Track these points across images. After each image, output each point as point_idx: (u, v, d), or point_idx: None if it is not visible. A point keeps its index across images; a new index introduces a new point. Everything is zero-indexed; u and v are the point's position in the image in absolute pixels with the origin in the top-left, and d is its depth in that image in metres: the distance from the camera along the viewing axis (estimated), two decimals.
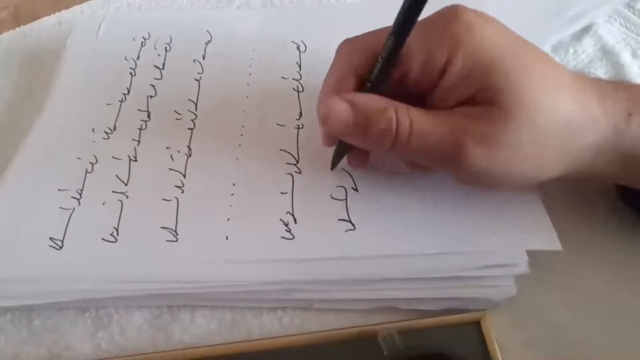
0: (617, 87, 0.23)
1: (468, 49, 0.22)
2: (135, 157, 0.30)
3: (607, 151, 0.23)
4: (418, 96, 0.24)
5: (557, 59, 0.34)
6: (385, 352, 0.23)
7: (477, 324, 0.23)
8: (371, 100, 0.23)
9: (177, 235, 0.26)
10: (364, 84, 0.24)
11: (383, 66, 0.23)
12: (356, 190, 0.27)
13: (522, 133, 0.21)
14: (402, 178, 0.27)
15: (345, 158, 0.28)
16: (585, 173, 0.24)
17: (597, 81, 0.24)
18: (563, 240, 0.24)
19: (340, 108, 0.23)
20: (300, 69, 0.34)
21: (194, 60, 0.35)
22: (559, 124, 0.22)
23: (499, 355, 0.22)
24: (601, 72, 0.33)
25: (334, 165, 0.28)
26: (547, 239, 0.24)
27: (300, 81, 0.33)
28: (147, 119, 0.32)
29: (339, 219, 0.26)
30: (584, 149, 0.22)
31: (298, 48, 0.35)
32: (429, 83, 0.23)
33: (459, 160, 0.22)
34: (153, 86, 0.34)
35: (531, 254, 0.23)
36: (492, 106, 0.22)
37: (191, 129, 0.31)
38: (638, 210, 0.27)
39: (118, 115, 0.32)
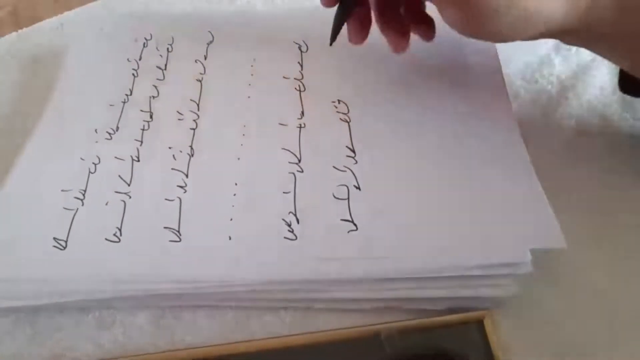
0: None
1: None
2: (138, 158, 0.30)
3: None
4: None
5: (559, 57, 0.34)
6: (387, 352, 0.23)
7: (479, 323, 0.23)
8: None
9: (180, 235, 0.26)
10: None
11: None
12: (358, 188, 0.27)
13: None
14: (405, 177, 0.27)
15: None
16: (585, 26, 0.24)
17: None
18: (567, 238, 0.23)
19: None
20: (302, 69, 0.34)
21: (195, 61, 0.35)
22: None
23: (502, 354, 0.22)
24: (604, 70, 0.33)
25: (333, 39, 0.30)
26: (552, 237, 0.24)
27: (302, 81, 0.33)
28: (150, 120, 0.32)
29: (342, 219, 0.26)
30: None
31: (300, 48, 0.35)
32: None
33: None
34: (155, 87, 0.34)
35: (534, 252, 0.23)
36: None
37: (193, 129, 0.31)
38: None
39: (120, 116, 0.32)
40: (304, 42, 0.35)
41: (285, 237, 0.25)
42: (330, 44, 0.30)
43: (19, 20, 0.42)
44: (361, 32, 0.30)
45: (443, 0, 0.25)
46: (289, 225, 0.26)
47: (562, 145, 0.30)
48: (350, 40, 0.30)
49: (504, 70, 0.32)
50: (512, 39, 0.25)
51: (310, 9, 0.37)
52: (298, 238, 0.25)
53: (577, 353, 0.23)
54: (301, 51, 0.35)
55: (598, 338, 0.23)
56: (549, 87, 0.33)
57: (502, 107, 0.30)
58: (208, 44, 0.36)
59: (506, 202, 0.26)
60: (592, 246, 0.26)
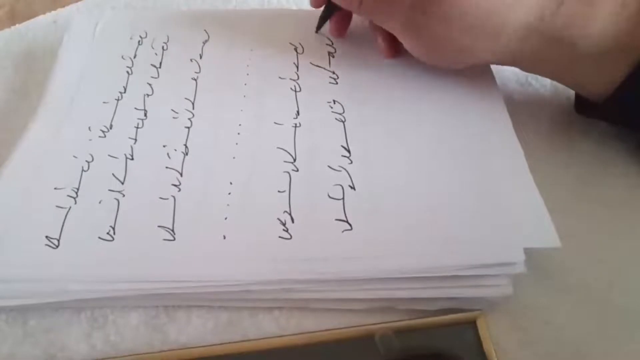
0: None
1: None
2: (132, 156, 0.30)
3: (535, 35, 0.26)
4: None
5: None
6: (381, 352, 0.23)
7: (473, 324, 0.23)
8: None
9: (175, 234, 0.26)
10: None
11: None
12: (353, 188, 0.27)
13: (454, 4, 0.26)
14: (399, 177, 0.27)
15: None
16: (519, 57, 0.28)
17: None
18: (561, 237, 0.24)
19: None
20: (297, 70, 0.34)
21: (191, 60, 0.35)
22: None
23: (495, 354, 0.22)
24: None
25: (318, 28, 0.35)
26: (546, 236, 0.24)
27: (298, 81, 0.33)
28: (144, 118, 0.32)
29: (336, 219, 0.26)
30: (512, 28, 0.26)
31: (295, 50, 0.35)
32: None
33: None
34: (150, 85, 0.34)
35: (527, 251, 0.23)
36: None
37: (188, 128, 0.31)
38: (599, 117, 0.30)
39: (114, 113, 0.32)
40: (299, 43, 0.35)
41: (280, 237, 0.25)
42: (316, 32, 0.35)
43: (16, 20, 0.41)
44: (341, 28, 0.35)
45: (403, 37, 0.30)
46: (284, 225, 0.26)
47: (556, 148, 0.30)
48: (331, 33, 0.35)
49: (499, 73, 0.32)
50: (460, 66, 0.30)
51: (306, 10, 0.37)
52: (293, 237, 0.25)
53: (571, 353, 0.23)
54: (297, 52, 0.35)
55: (592, 338, 0.23)
56: (542, 90, 0.34)
57: (496, 107, 0.30)
58: (204, 43, 0.36)
59: (500, 202, 0.26)
60: (586, 246, 0.26)
